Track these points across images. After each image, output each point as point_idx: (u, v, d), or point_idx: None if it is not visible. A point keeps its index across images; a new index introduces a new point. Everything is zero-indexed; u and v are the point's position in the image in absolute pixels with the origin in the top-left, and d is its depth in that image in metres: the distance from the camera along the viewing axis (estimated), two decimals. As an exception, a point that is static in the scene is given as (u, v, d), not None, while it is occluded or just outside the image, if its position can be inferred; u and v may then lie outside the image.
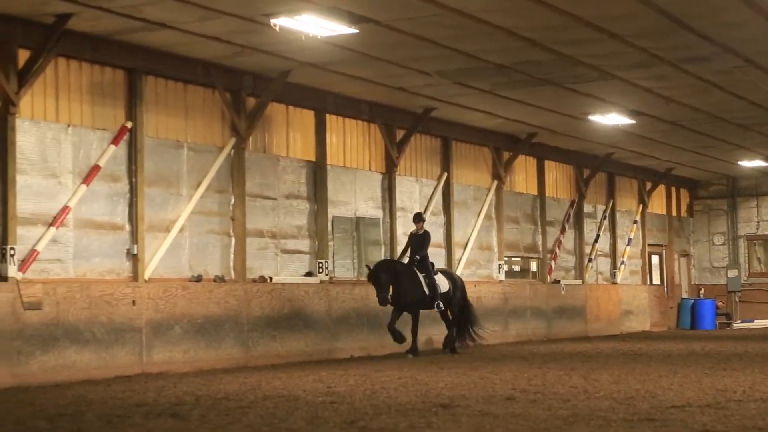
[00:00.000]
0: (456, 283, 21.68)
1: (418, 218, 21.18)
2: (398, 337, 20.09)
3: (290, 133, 20.97)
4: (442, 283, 21.05)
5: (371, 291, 21.90)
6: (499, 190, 27.28)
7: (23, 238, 15.61)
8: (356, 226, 22.79)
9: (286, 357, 19.30)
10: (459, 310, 21.59)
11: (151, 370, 16.83)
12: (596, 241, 32.15)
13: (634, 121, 25.15)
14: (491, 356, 20.53)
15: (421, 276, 20.63)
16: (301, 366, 18.16)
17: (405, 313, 20.55)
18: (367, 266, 20.51)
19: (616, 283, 32.96)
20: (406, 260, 20.99)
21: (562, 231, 30.29)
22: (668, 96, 22.55)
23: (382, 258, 22.59)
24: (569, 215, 30.70)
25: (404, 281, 20.33)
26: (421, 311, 20.88)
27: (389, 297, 19.98)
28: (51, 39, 15.50)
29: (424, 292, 20.59)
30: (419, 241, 20.90)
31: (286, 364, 18.66)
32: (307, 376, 15.97)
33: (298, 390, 13.61)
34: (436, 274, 21.06)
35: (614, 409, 10.77)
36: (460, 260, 25.57)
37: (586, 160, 31.04)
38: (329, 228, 21.65)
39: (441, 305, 20.88)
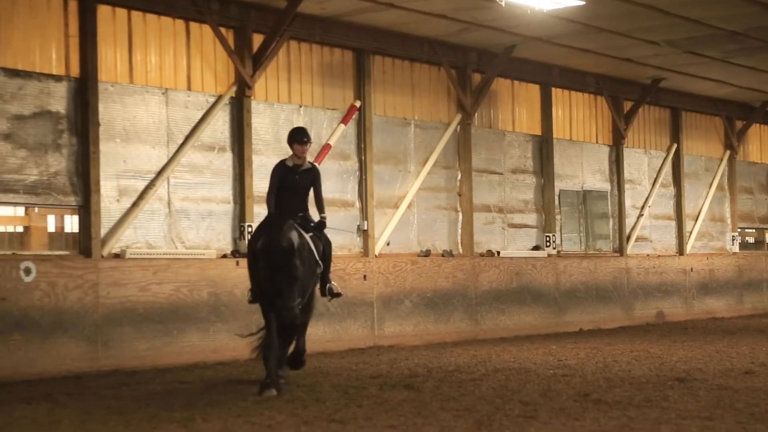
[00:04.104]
0: (327, 248, 12.38)
1: (300, 137, 11.87)
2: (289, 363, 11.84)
3: (516, 108, 20.95)
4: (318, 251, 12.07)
5: (600, 264, 21.74)
6: (731, 160, 26.51)
7: (259, 216, 16.18)
8: (583, 200, 22.56)
9: (514, 330, 19.35)
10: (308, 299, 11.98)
11: (382, 343, 17.19)
12: (838, 211, 30.80)
13: None
14: (726, 329, 19.99)
15: (309, 240, 11.86)
16: (529, 339, 18.19)
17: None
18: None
19: None
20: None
21: (800, 201, 29.17)
22: None
23: (610, 230, 22.32)
24: (807, 185, 29.53)
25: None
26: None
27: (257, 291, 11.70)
28: (283, 22, 15.96)
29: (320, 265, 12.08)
30: (305, 182, 12.00)
31: (515, 337, 18.71)
32: (536, 349, 15.99)
33: (529, 363, 13.66)
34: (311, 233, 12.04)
35: None
36: (691, 232, 25.01)
37: (825, 128, 29.74)
38: (556, 202, 21.54)
39: (337, 289, 12.34)
